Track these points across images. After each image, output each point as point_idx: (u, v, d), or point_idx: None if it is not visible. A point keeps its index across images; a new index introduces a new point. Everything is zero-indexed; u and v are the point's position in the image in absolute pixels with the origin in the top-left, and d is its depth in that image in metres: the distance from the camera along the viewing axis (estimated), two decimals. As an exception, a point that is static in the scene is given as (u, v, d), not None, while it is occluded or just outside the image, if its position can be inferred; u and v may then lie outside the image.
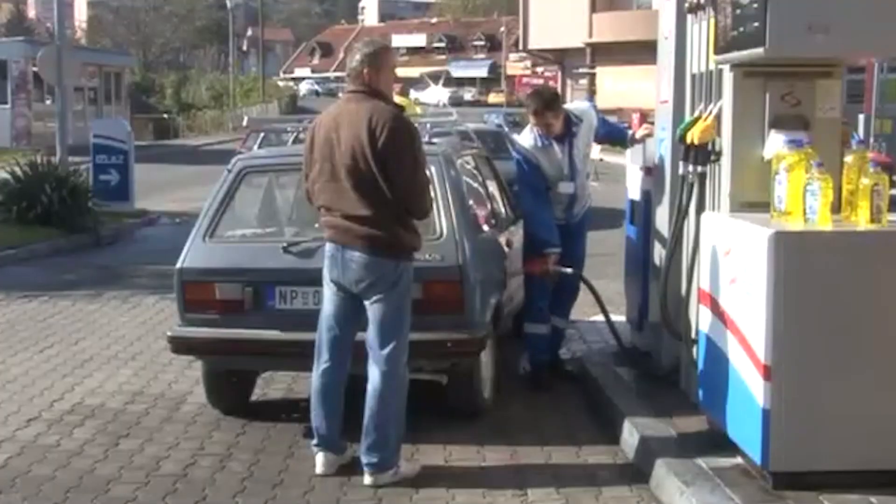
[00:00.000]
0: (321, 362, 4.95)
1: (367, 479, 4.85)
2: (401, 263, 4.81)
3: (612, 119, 7.77)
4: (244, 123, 9.95)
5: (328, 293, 4.95)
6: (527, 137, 6.52)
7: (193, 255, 5.67)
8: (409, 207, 4.78)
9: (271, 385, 6.62)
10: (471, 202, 6.01)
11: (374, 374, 4.82)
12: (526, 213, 6.65)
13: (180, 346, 5.74)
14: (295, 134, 6.76)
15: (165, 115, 49.04)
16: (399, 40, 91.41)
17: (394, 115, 4.76)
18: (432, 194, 5.17)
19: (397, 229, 4.78)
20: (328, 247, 4.91)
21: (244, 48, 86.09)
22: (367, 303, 4.84)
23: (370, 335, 4.85)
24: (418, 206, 4.81)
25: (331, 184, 4.83)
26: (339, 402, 4.98)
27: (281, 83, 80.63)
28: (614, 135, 6.90)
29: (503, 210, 7.03)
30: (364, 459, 4.87)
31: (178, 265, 5.65)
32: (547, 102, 6.42)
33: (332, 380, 4.94)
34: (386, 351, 4.79)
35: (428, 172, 5.10)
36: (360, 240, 4.77)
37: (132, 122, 27.73)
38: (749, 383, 4.37)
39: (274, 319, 5.50)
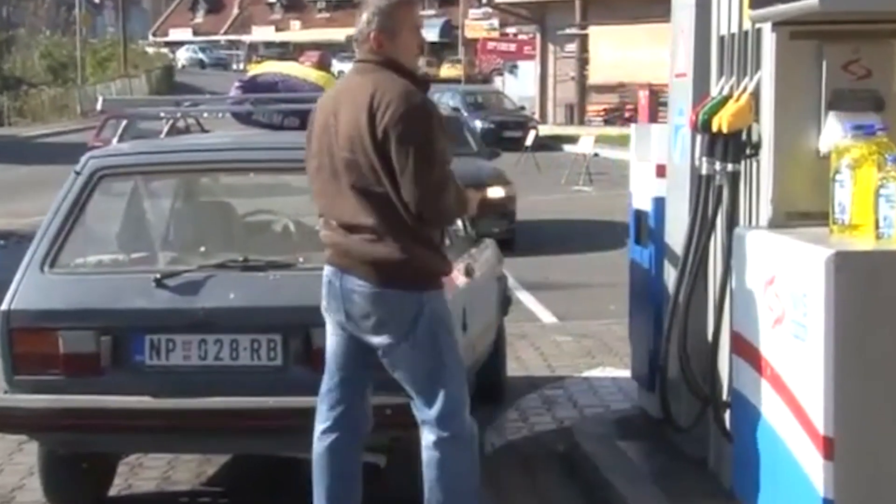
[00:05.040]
0: (322, 420, 4.97)
1: None
2: (423, 295, 4.85)
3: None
4: (99, 106, 9.85)
5: (329, 328, 5.01)
6: None
7: (26, 291, 5.62)
8: (421, 213, 4.74)
9: (139, 473, 6.57)
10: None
11: (427, 443, 4.90)
12: None
13: (6, 420, 5.69)
14: (171, 121, 6.71)
15: (-17, 95, 48.72)
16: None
17: (405, 91, 4.82)
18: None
19: (414, 247, 4.82)
20: (326, 270, 4.95)
21: (97, 0, 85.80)
22: (381, 351, 4.88)
23: (410, 393, 4.92)
24: (432, 208, 4.76)
25: (331, 184, 4.89)
26: (355, 472, 5.01)
27: (150, 49, 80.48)
28: None
29: (460, 226, 7.02)
30: None
31: (4, 306, 5.60)
32: None
33: (340, 442, 4.95)
34: (435, 410, 4.85)
35: None
36: (365, 263, 4.81)
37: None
38: (803, 463, 4.39)
39: (142, 381, 5.48)
